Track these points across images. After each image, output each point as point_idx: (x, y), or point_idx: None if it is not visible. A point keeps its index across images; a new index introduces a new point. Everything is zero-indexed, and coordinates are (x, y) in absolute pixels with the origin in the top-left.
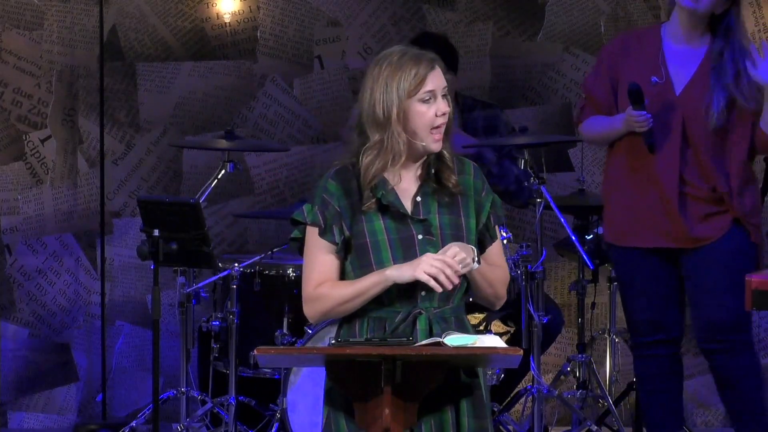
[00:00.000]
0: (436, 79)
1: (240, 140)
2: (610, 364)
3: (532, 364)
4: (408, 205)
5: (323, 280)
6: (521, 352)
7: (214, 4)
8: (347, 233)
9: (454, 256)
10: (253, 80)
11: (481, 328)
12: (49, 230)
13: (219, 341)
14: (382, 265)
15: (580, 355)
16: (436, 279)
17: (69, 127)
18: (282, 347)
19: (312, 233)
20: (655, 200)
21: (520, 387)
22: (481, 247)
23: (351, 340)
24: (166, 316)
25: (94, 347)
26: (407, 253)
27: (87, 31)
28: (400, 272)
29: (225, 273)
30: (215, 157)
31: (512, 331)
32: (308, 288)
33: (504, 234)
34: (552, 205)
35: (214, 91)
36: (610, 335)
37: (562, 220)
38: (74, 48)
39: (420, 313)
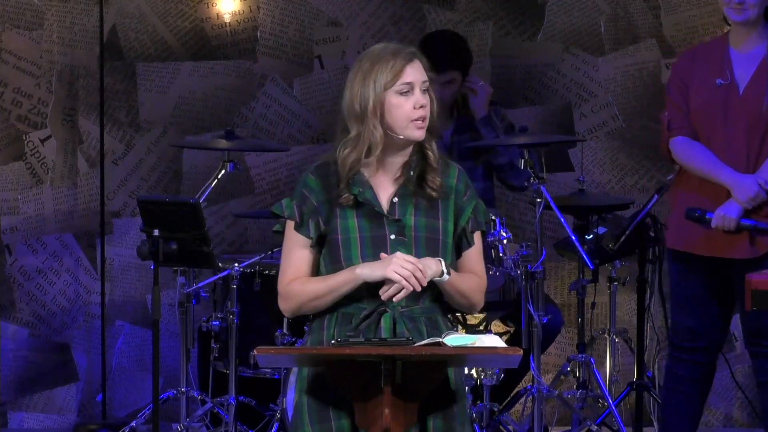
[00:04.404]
0: (415, 72)
1: (240, 140)
2: (610, 364)
3: (532, 364)
4: (384, 205)
5: (297, 275)
6: (521, 352)
7: (214, 4)
8: (323, 228)
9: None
10: (253, 80)
11: (481, 328)
12: (49, 230)
13: (219, 341)
14: (351, 262)
15: (580, 355)
16: (406, 280)
17: (69, 127)
18: (282, 347)
19: (289, 227)
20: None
21: (520, 387)
22: (458, 251)
23: (351, 340)
24: (166, 316)
25: (94, 347)
26: (377, 252)
27: (87, 31)
28: (371, 270)
29: (225, 273)
30: (215, 157)
31: (512, 331)
32: (282, 283)
33: (505, 234)
34: (552, 205)
35: (214, 91)
36: (610, 335)
37: (562, 220)
38: (74, 48)
39: (384, 311)
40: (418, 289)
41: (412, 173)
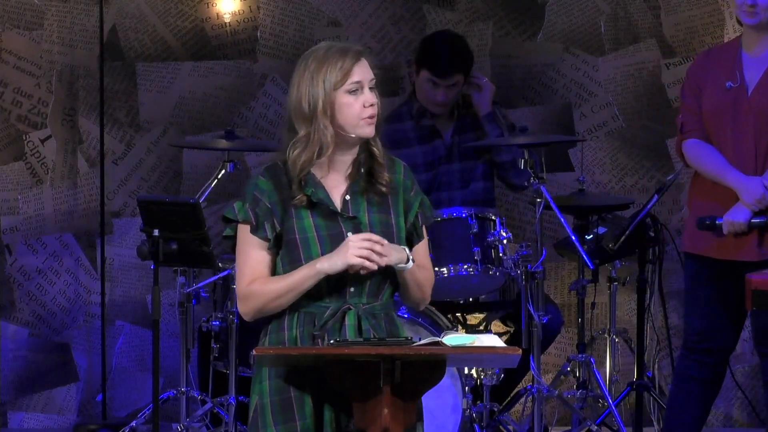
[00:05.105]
0: (363, 71)
1: (240, 140)
2: (610, 364)
3: (532, 364)
4: (337, 203)
5: (255, 276)
6: (520, 351)
7: (214, 4)
8: (279, 229)
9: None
10: (253, 80)
11: (481, 328)
12: (49, 230)
13: (219, 341)
14: (311, 260)
15: (580, 355)
16: (368, 260)
17: (69, 127)
18: (282, 347)
19: (243, 230)
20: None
21: (520, 387)
22: (409, 245)
23: (349, 340)
24: (166, 316)
25: (94, 347)
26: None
27: (87, 31)
28: (331, 263)
29: (225, 273)
30: (215, 157)
31: (512, 331)
32: (241, 285)
33: (505, 234)
34: (552, 205)
35: (214, 91)
36: (610, 335)
37: (562, 220)
38: (74, 48)
39: (349, 309)
40: (383, 264)
41: (362, 170)
